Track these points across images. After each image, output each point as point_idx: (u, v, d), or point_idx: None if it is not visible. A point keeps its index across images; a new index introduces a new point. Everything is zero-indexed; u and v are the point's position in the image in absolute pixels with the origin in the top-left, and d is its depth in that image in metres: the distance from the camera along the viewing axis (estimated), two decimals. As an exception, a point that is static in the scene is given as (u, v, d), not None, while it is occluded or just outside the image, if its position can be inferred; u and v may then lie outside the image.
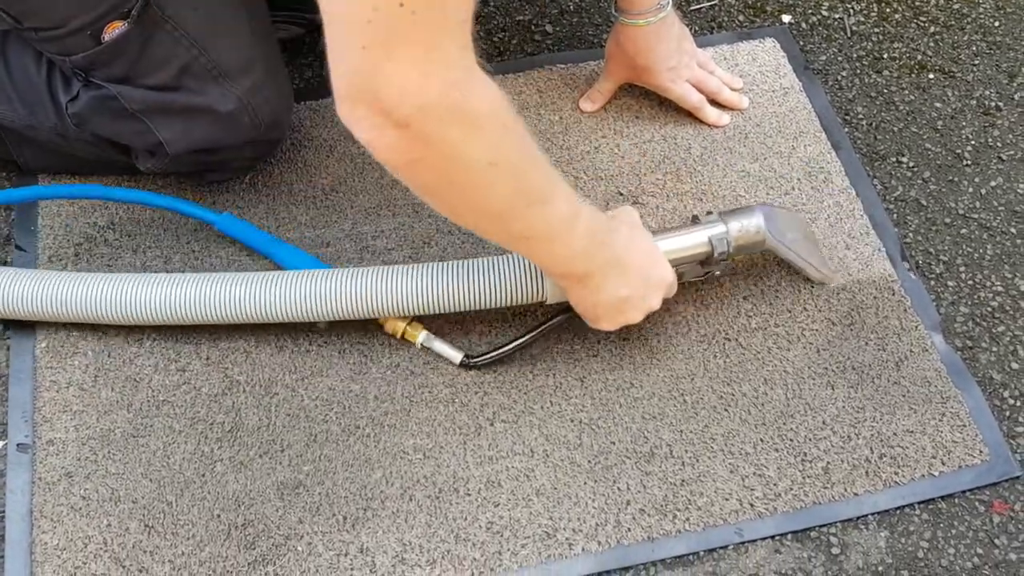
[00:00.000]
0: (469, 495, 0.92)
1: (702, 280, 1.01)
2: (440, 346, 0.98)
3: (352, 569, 0.87)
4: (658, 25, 1.09)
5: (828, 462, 0.94)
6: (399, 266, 0.95)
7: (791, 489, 0.92)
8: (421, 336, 0.98)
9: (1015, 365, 1.01)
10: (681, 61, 1.14)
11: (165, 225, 1.08)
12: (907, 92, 1.23)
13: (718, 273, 1.00)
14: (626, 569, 0.89)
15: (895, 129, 1.20)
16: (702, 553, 0.90)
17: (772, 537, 0.91)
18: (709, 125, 1.17)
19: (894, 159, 1.17)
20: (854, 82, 1.24)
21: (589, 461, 0.94)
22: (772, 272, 1.06)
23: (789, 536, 0.91)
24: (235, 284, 0.93)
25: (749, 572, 0.89)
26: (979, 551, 0.91)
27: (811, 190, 1.13)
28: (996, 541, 0.91)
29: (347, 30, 0.66)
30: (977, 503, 0.93)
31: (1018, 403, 0.98)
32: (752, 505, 0.91)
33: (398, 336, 0.99)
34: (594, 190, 1.12)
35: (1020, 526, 0.92)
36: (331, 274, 0.94)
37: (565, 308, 0.96)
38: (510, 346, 0.97)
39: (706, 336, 1.02)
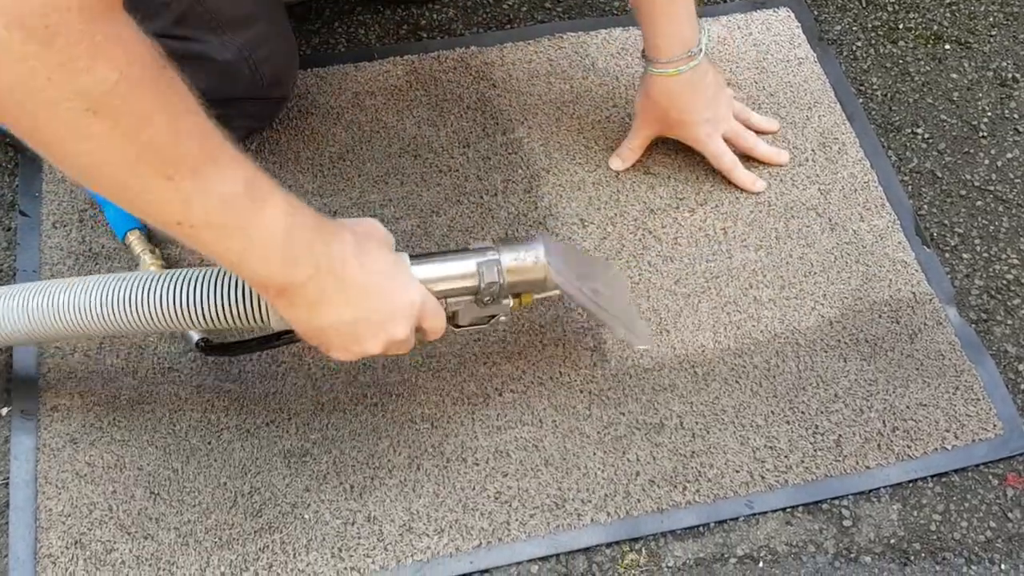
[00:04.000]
0: (477, 465, 0.91)
1: (484, 325, 0.85)
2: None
3: (359, 538, 0.87)
4: (690, 74, 1.01)
5: (840, 435, 0.93)
6: (91, 276, 0.81)
7: (802, 462, 0.91)
8: None
9: (1030, 339, 1.00)
10: (718, 113, 1.06)
11: (170, 192, 1.07)
12: (923, 63, 1.21)
13: (503, 318, 0.84)
14: (635, 540, 0.88)
15: (910, 100, 1.18)
16: (712, 525, 0.89)
17: (783, 509, 0.90)
18: (742, 189, 1.08)
19: (909, 130, 1.15)
20: (869, 52, 1.22)
21: (598, 432, 0.93)
22: (783, 243, 1.05)
23: (800, 508, 0.90)
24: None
25: (759, 544, 0.88)
26: (992, 524, 0.90)
27: (825, 161, 1.11)
28: (1009, 515, 0.90)
29: None
30: (990, 476, 0.92)
31: (1033, 377, 0.97)
32: (763, 477, 0.90)
33: None
34: (603, 161, 1.11)
35: (1033, 500, 0.91)
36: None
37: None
38: (242, 346, 0.86)
39: (716, 308, 1.00)
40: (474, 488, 0.90)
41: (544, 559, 0.87)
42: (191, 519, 0.87)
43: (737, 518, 0.89)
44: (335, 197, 1.07)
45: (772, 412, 0.94)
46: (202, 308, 0.77)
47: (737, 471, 0.91)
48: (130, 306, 0.78)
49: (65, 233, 1.04)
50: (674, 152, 1.11)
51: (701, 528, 0.89)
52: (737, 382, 0.96)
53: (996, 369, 0.97)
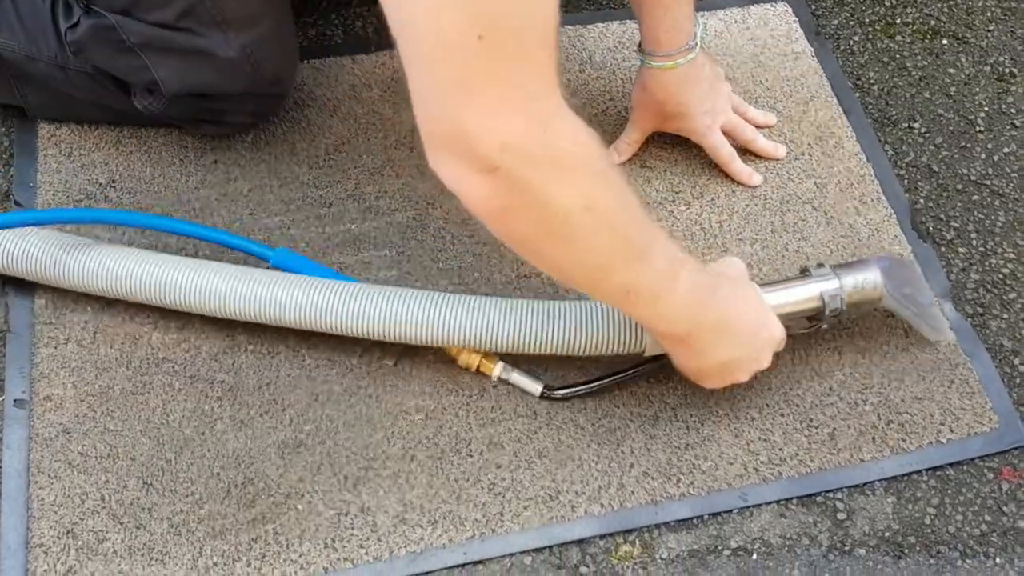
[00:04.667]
0: (471, 456, 0.91)
1: (808, 332, 0.93)
2: (518, 378, 0.93)
3: (353, 528, 0.86)
4: (688, 67, 1.00)
5: (834, 428, 0.93)
6: (487, 298, 0.89)
7: (796, 455, 0.91)
8: (498, 368, 0.93)
9: (1026, 333, 1.00)
10: (716, 105, 1.06)
11: (167, 183, 1.07)
12: (920, 57, 1.21)
13: (825, 327, 0.92)
14: (629, 532, 0.88)
15: (907, 95, 1.18)
16: (706, 517, 0.89)
17: (777, 502, 0.90)
18: (739, 183, 1.08)
19: (906, 125, 1.15)
20: (866, 47, 1.22)
21: (593, 424, 0.93)
22: (779, 236, 1.05)
23: (794, 501, 0.90)
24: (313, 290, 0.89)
25: (753, 536, 0.88)
26: (987, 518, 0.89)
27: (821, 155, 1.11)
28: (1004, 508, 0.90)
29: (423, 69, 0.63)
30: (986, 470, 0.92)
31: (1028, 371, 0.97)
32: (757, 470, 0.90)
33: (473, 370, 0.93)
34: (601, 153, 1.11)
35: (1028, 494, 0.91)
36: (411, 296, 0.88)
37: (660, 355, 0.89)
38: (594, 384, 0.92)
39: (713, 300, 1.00)
40: (468, 479, 0.89)
41: (538, 551, 0.87)
42: (184, 509, 0.87)
43: (731, 510, 0.89)
44: (330, 189, 1.07)
45: (766, 405, 0.94)
46: (590, 338, 0.87)
47: (731, 463, 0.91)
48: (535, 334, 0.88)
49: (60, 225, 1.04)
50: (670, 146, 1.11)
51: (695, 520, 0.89)
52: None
53: (992, 363, 0.97)
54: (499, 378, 0.93)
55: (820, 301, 0.89)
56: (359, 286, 0.90)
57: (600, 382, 0.92)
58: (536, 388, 0.93)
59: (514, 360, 0.93)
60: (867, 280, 0.90)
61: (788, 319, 0.89)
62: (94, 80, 1.01)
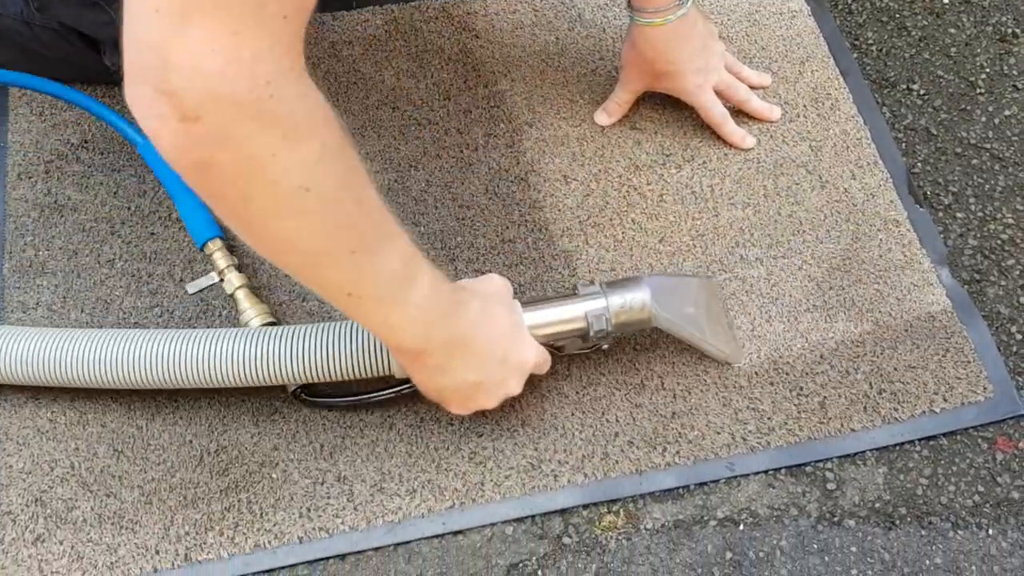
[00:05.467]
0: (452, 425, 0.88)
1: (588, 352, 0.89)
2: None
3: (329, 497, 0.84)
4: (678, 23, 0.96)
5: (825, 397, 0.90)
6: (215, 330, 0.83)
7: (785, 423, 0.89)
8: None
9: (1024, 300, 0.97)
10: (709, 63, 1.01)
11: (139, 144, 1.03)
12: (920, 17, 1.17)
13: (605, 347, 0.88)
14: (613, 502, 0.86)
15: (906, 55, 1.14)
16: (692, 487, 0.87)
17: (765, 472, 0.87)
18: (732, 145, 1.04)
19: (904, 86, 1.12)
20: (864, 6, 1.18)
21: (577, 392, 0.90)
22: (772, 201, 1.02)
23: (783, 471, 0.88)
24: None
25: (740, 507, 0.86)
26: (980, 489, 0.87)
27: (817, 117, 1.08)
28: (998, 479, 0.88)
29: None
30: (980, 440, 0.90)
31: (1025, 339, 0.95)
32: (745, 439, 0.88)
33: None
34: (588, 116, 1.07)
35: (1023, 464, 0.88)
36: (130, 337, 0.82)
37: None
38: (346, 399, 0.87)
39: (702, 267, 0.97)
40: (448, 448, 0.87)
41: (519, 520, 0.85)
42: (155, 477, 0.84)
43: (718, 480, 0.87)
44: (310, 150, 1.04)
45: (755, 373, 0.91)
46: (330, 361, 0.81)
47: (718, 433, 0.88)
48: (251, 362, 0.80)
49: (31, 185, 1.01)
50: (661, 107, 1.07)
51: (680, 490, 0.86)
52: (721, 342, 0.93)
53: (988, 331, 0.94)
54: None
55: (585, 322, 0.84)
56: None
57: (354, 398, 0.87)
58: (291, 385, 0.86)
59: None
60: (635, 299, 0.84)
61: (554, 339, 0.84)
62: (61, 37, 0.97)
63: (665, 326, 0.87)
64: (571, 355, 0.89)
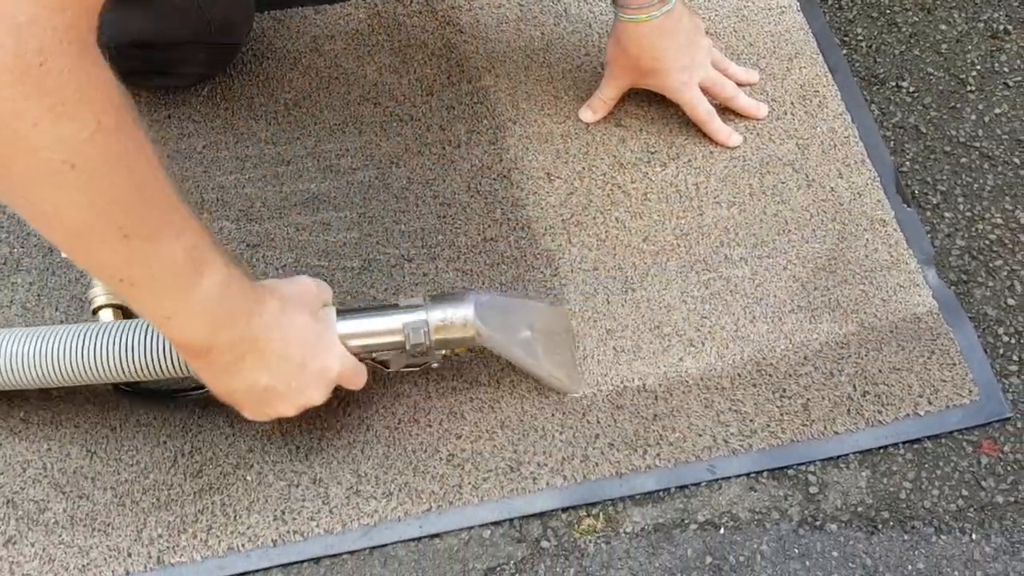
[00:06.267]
0: (430, 427, 0.87)
1: (416, 369, 0.86)
2: None
3: (304, 500, 0.83)
4: (663, 19, 0.95)
5: (808, 399, 0.89)
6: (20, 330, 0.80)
7: (768, 426, 0.88)
8: None
9: (1011, 301, 0.96)
10: (695, 60, 1.00)
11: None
12: (911, 13, 1.16)
13: (435, 364, 0.84)
14: (593, 504, 0.85)
15: (896, 52, 1.13)
16: (673, 490, 0.86)
17: (747, 475, 0.86)
18: (718, 143, 1.03)
19: (894, 83, 1.10)
20: (855, 1, 1.17)
21: (558, 393, 0.89)
22: (757, 199, 1.00)
23: (765, 474, 0.86)
24: None
25: (722, 510, 0.85)
26: (964, 493, 0.86)
27: (804, 115, 1.06)
28: (983, 483, 0.87)
29: None
30: (965, 443, 0.89)
31: (1012, 341, 0.93)
32: (727, 441, 0.87)
33: None
34: (573, 113, 1.06)
35: (1009, 468, 0.87)
36: None
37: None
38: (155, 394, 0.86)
39: (685, 266, 0.96)
40: (426, 450, 0.86)
41: (497, 523, 0.84)
42: (128, 479, 0.83)
43: (699, 483, 0.86)
44: (289, 146, 1.02)
45: (738, 375, 0.90)
46: (126, 360, 0.78)
47: (700, 435, 0.87)
48: (62, 359, 0.78)
49: None
50: (647, 104, 1.06)
51: (661, 493, 0.85)
52: (703, 343, 0.92)
53: (974, 333, 0.93)
54: None
55: (403, 334, 0.80)
56: None
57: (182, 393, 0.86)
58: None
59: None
60: (456, 315, 0.81)
61: (372, 351, 0.81)
62: (35, 28, 0.96)
63: (491, 345, 0.83)
64: (399, 372, 0.85)
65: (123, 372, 0.79)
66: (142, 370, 0.79)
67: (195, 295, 0.67)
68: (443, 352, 0.84)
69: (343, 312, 0.80)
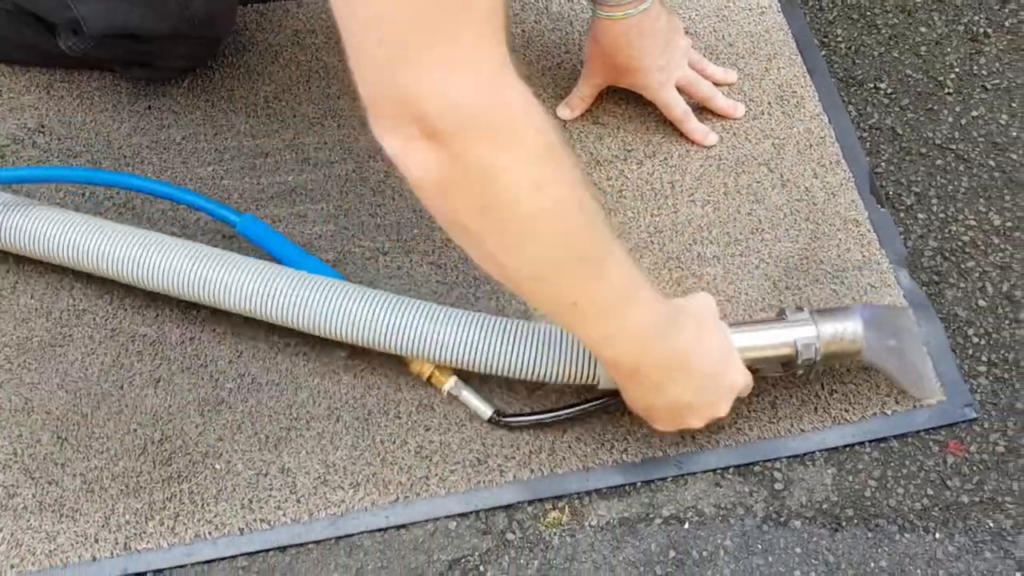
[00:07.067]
0: (399, 418, 0.88)
1: (780, 376, 0.88)
2: (468, 397, 0.87)
3: (271, 489, 0.84)
4: (640, 18, 0.95)
5: (775, 397, 0.89)
6: (440, 307, 0.84)
7: (735, 423, 0.88)
8: (449, 383, 0.87)
9: (982, 303, 0.96)
10: (672, 59, 1.00)
11: (97, 129, 1.03)
12: (891, 15, 1.16)
13: (800, 373, 0.85)
14: (559, 498, 0.85)
15: (875, 54, 1.13)
16: (639, 484, 0.86)
17: (713, 471, 0.87)
18: (693, 142, 1.03)
19: (872, 85, 1.11)
20: (835, 2, 1.17)
21: (527, 387, 0.90)
22: (732, 199, 1.01)
23: (731, 470, 0.87)
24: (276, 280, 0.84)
25: (687, 505, 0.85)
26: (929, 492, 0.87)
27: (781, 115, 1.07)
28: (948, 483, 0.87)
29: (361, 26, 0.57)
30: (931, 443, 0.89)
31: (982, 342, 0.94)
32: (693, 437, 0.87)
33: (424, 378, 0.88)
34: (552, 108, 1.06)
35: (974, 468, 0.88)
36: (364, 295, 0.83)
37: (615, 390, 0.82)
38: (547, 415, 0.86)
39: (658, 264, 0.97)
40: (394, 442, 0.87)
41: (463, 515, 0.84)
42: (98, 465, 0.84)
43: (665, 478, 0.86)
44: (268, 139, 1.03)
45: (707, 371, 0.91)
46: (534, 361, 0.81)
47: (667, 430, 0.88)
48: (486, 351, 0.82)
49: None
50: (624, 102, 1.07)
51: (627, 487, 0.86)
52: (674, 340, 0.92)
53: (944, 333, 0.94)
54: (449, 393, 0.88)
55: (793, 348, 0.82)
56: (350, 287, 0.85)
57: (552, 414, 0.86)
58: (487, 412, 0.87)
59: (465, 376, 0.88)
60: (847, 331, 0.82)
61: (757, 363, 0.82)
62: (15, 18, 0.97)
63: (871, 359, 0.84)
64: (765, 377, 0.87)
65: (522, 373, 0.82)
66: (544, 375, 0.82)
67: (632, 317, 0.70)
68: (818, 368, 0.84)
69: (732, 326, 0.81)
